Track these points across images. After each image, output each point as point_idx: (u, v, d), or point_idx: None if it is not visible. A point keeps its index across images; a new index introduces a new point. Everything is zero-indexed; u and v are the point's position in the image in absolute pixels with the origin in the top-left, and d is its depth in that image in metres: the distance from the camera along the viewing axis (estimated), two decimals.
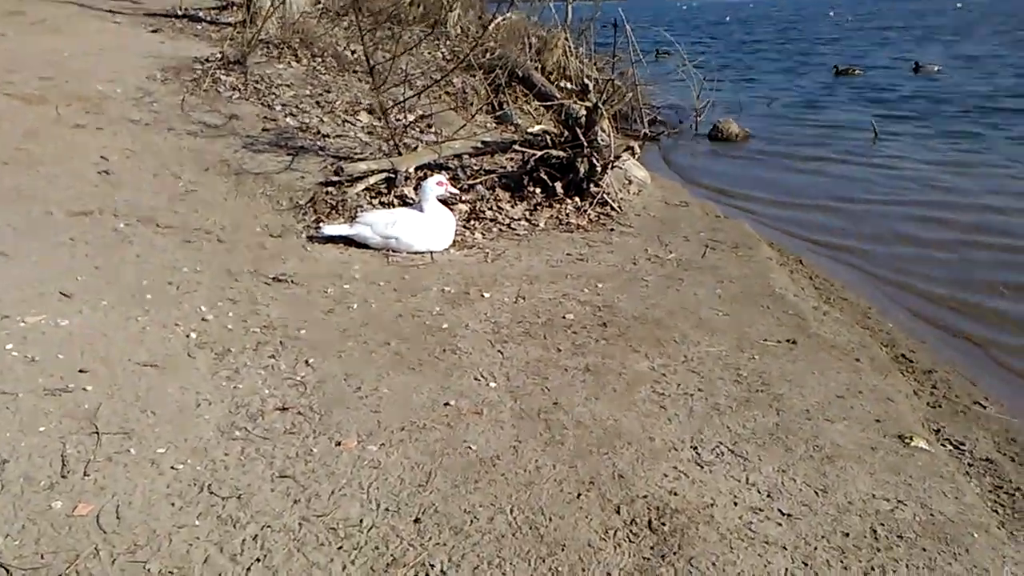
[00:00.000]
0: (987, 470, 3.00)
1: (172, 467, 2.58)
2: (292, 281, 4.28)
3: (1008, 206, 7.03)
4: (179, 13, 10.21)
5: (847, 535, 2.39)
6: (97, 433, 2.71)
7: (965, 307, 4.96)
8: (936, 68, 16.46)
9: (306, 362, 3.39)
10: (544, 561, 2.23)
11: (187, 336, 3.52)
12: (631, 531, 2.36)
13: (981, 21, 29.60)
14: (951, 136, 10.36)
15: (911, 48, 21.85)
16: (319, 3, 10.73)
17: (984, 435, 3.34)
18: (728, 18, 38.50)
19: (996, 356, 4.34)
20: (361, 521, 2.38)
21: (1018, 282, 5.27)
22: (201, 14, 10.28)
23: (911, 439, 3.00)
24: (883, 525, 2.45)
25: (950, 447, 3.16)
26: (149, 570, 2.13)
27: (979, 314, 4.85)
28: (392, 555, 2.24)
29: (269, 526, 2.34)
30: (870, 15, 34.54)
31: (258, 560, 2.20)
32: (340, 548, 2.26)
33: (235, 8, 10.35)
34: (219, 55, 7.81)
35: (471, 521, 2.39)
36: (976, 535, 2.43)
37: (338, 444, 2.78)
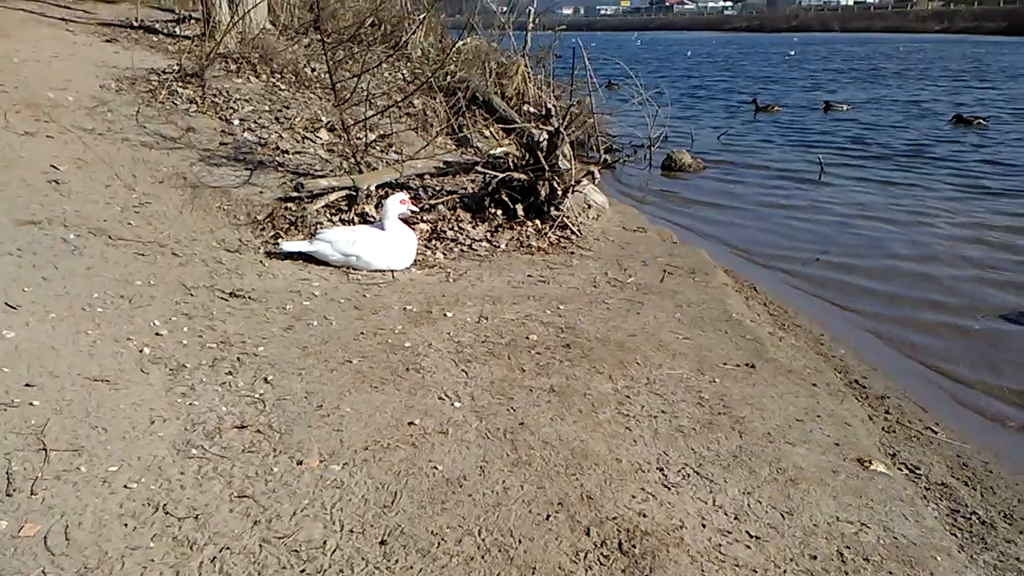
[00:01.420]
0: (943, 494, 3.06)
1: (125, 486, 2.48)
2: (250, 297, 4.18)
3: (944, 235, 7.28)
4: (135, 24, 10.02)
5: (815, 558, 2.40)
6: (45, 450, 2.59)
7: (914, 332, 5.09)
8: (845, 107, 17.30)
9: (265, 379, 3.30)
10: None
11: (140, 351, 3.41)
12: (602, 553, 2.34)
13: (913, 64, 30.93)
14: (884, 169, 10.79)
15: (839, 87, 22.74)
16: (279, 20, 10.64)
17: (938, 460, 3.41)
18: (689, 53, 39.42)
19: (943, 382, 4.45)
20: (324, 543, 2.31)
21: (967, 307, 5.44)
22: (158, 26, 10.09)
23: (870, 463, 3.05)
24: (849, 548, 2.47)
25: (906, 471, 3.22)
26: None
27: (927, 339, 4.98)
28: None
29: (228, 548, 2.25)
30: (823, 58, 35.80)
31: None
32: (303, 571, 2.19)
33: (193, 21, 10.19)
34: (176, 67, 7.67)
35: (439, 543, 2.34)
36: (939, 559, 2.47)
37: (299, 463, 2.71)
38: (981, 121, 14.44)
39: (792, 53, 38.14)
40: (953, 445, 3.60)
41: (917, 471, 3.24)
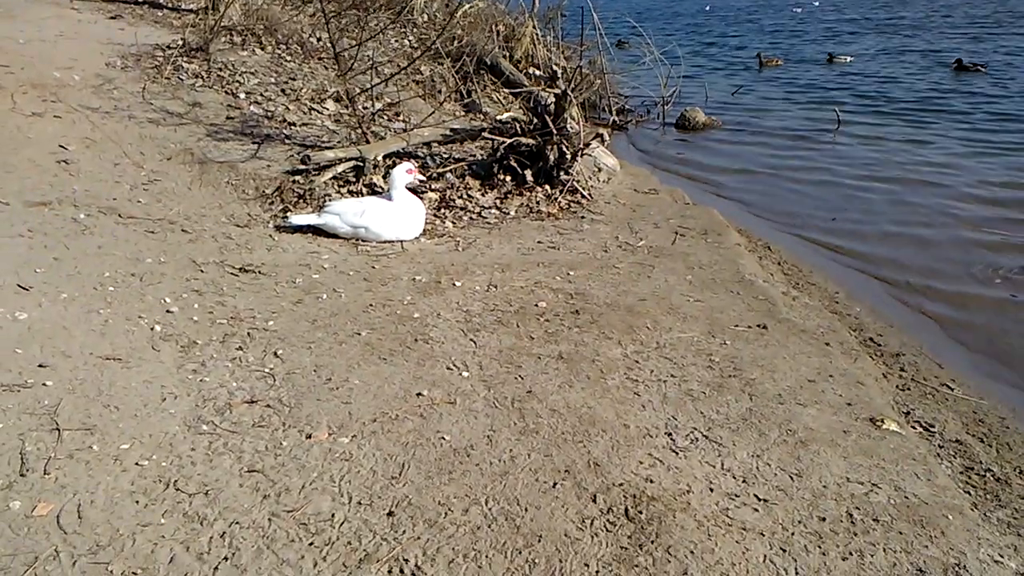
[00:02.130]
0: (957, 451, 3.03)
1: (136, 463, 2.51)
2: (259, 272, 4.19)
3: (964, 190, 7.13)
4: (139, 0, 9.96)
5: (823, 519, 2.39)
6: (58, 429, 2.63)
7: (930, 291, 5.01)
8: (848, 59, 16.99)
9: (275, 354, 3.32)
10: (521, 553, 2.20)
11: (151, 329, 3.43)
12: (608, 520, 2.34)
13: (936, 10, 30.09)
14: (893, 123, 10.55)
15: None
16: None
17: (953, 417, 3.37)
18: (708, 7, 38.57)
19: (961, 338, 4.39)
20: (333, 516, 2.33)
21: (981, 263, 5.34)
22: (162, 1, 10.04)
23: (882, 422, 3.02)
24: (859, 509, 2.45)
25: (920, 429, 3.19)
26: (112, 571, 2.06)
27: (944, 297, 4.91)
28: (365, 550, 2.20)
29: (237, 523, 2.28)
30: (833, 8, 34.94)
31: (226, 558, 2.14)
32: (311, 544, 2.21)
33: None
34: (181, 42, 7.63)
35: (445, 513, 2.36)
36: (951, 517, 2.45)
37: (308, 437, 2.73)
38: (980, 68, 14.35)
39: (816, 3, 37.22)
40: (969, 401, 3.55)
41: (931, 429, 3.21)
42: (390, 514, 2.34)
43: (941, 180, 7.50)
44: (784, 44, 21.60)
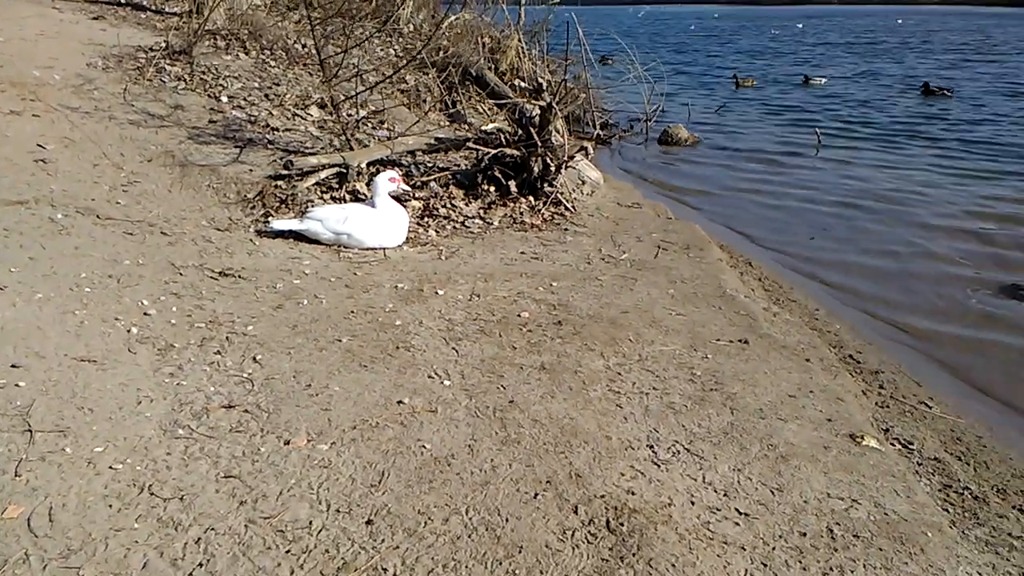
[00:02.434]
0: (936, 469, 3.05)
1: (110, 467, 2.46)
2: (239, 276, 4.15)
3: (939, 211, 7.23)
4: (122, 1, 9.88)
5: (804, 535, 2.39)
6: (30, 431, 2.57)
7: (908, 310, 5.06)
8: (822, 81, 17.46)
9: (254, 358, 3.28)
10: (501, 563, 2.17)
11: (128, 331, 3.38)
12: (589, 532, 2.32)
13: (911, 36, 30.66)
14: (869, 143, 10.75)
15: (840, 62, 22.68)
16: None
17: (931, 434, 3.40)
18: (693, 27, 39.12)
19: (938, 357, 4.43)
20: (310, 523, 2.29)
21: (963, 282, 5.41)
22: (145, 2, 9.97)
23: (862, 438, 3.03)
24: (839, 524, 2.46)
25: (899, 446, 3.21)
26: None
27: (922, 316, 4.95)
28: (343, 558, 2.16)
29: (213, 528, 2.24)
30: (825, 31, 35.53)
31: (201, 565, 2.10)
32: (288, 552, 2.17)
33: None
34: (164, 44, 7.57)
35: (425, 522, 2.33)
36: (930, 534, 2.46)
37: (287, 443, 2.69)
38: (946, 92, 15.14)
39: (800, 26, 37.84)
40: (947, 419, 3.59)
41: (910, 446, 3.23)
42: (369, 522, 2.31)
43: (916, 201, 7.62)
44: (763, 65, 21.94)
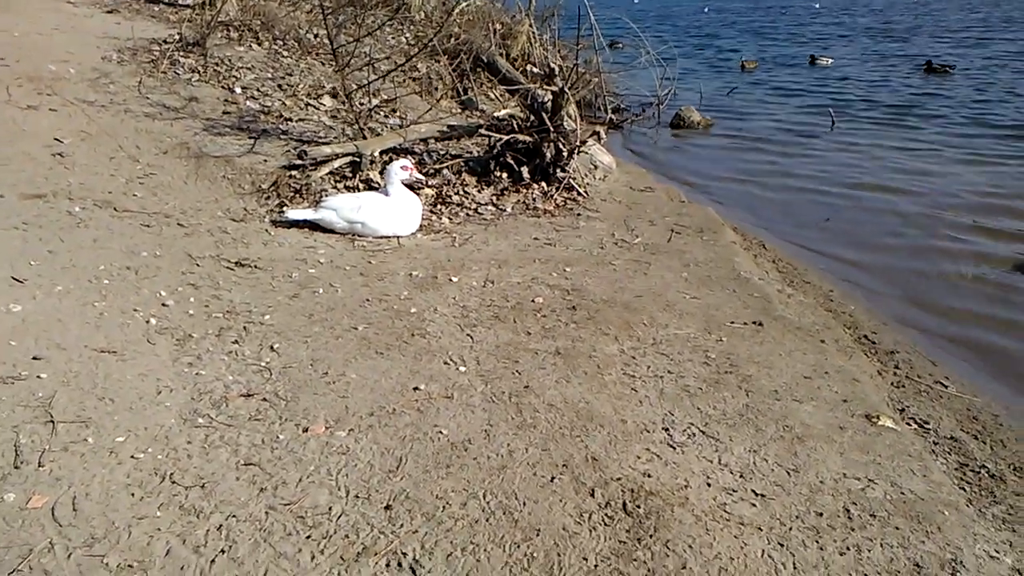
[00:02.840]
0: (952, 448, 3.04)
1: (132, 456, 2.50)
2: (255, 266, 4.18)
3: (956, 190, 7.16)
4: None
5: (821, 515, 2.40)
6: (52, 422, 2.61)
7: (923, 290, 5.02)
8: (829, 61, 17.36)
9: (271, 347, 3.31)
10: (519, 546, 2.19)
11: (147, 322, 3.42)
12: (606, 514, 2.34)
13: (930, 13, 30.24)
14: (890, 123, 10.65)
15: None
16: None
17: (947, 414, 3.38)
18: (707, 9, 38.81)
19: (953, 336, 4.40)
20: (330, 509, 2.32)
21: (979, 262, 5.36)
22: None
23: (878, 418, 3.03)
24: (856, 504, 2.46)
25: (915, 426, 3.19)
26: (107, 564, 2.05)
27: (937, 296, 4.92)
28: (363, 543, 2.19)
29: (234, 516, 2.27)
30: (843, 11, 35.14)
31: (223, 551, 2.13)
32: (308, 537, 2.21)
33: None
34: (177, 36, 7.60)
35: (443, 507, 2.35)
36: (946, 513, 2.45)
37: (305, 430, 2.72)
38: (948, 69, 15.22)
39: (816, 5, 37.45)
40: (963, 399, 3.57)
41: (926, 426, 3.22)
42: (388, 508, 2.34)
43: (929, 181, 7.55)
44: (771, 46, 21.75)
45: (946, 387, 3.67)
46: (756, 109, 12.09)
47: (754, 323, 3.88)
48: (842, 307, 4.63)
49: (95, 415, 2.69)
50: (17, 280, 3.58)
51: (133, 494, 2.32)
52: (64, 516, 2.20)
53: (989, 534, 2.41)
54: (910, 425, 3.18)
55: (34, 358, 2.98)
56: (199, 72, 7.02)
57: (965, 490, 2.72)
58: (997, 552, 2.33)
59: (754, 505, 2.43)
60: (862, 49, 20.46)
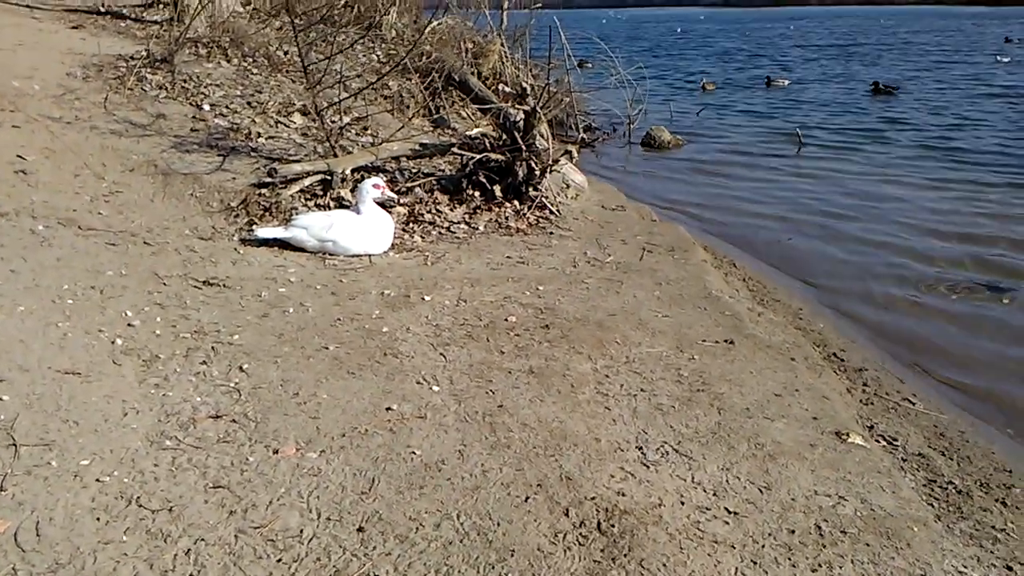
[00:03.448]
0: (920, 465, 3.08)
1: (97, 480, 2.44)
2: (224, 285, 4.13)
3: (914, 210, 7.30)
4: (102, 9, 9.82)
5: (793, 532, 2.41)
6: (15, 445, 2.55)
7: (889, 307, 5.11)
8: (785, 83, 17.81)
9: (240, 368, 3.26)
10: (493, 567, 2.18)
11: (112, 342, 3.35)
12: (581, 534, 2.33)
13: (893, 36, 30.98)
14: (848, 141, 10.87)
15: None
16: (249, 3, 10.48)
17: (915, 431, 3.43)
18: (679, 29, 39.48)
19: (920, 353, 4.46)
20: (301, 532, 2.29)
21: (944, 280, 5.46)
22: (125, 11, 9.90)
23: (847, 436, 3.06)
24: (827, 521, 2.48)
25: (884, 443, 3.24)
26: None
27: (903, 313, 5.00)
28: (335, 566, 2.16)
29: (203, 539, 2.23)
30: (808, 32, 35.90)
31: None
32: (279, 561, 2.17)
33: (161, 6, 10.00)
34: (145, 53, 7.52)
35: (417, 528, 2.33)
36: (916, 529, 2.48)
37: (276, 452, 2.68)
38: (892, 90, 15.90)
39: (792, 28, 38.30)
40: (930, 416, 3.62)
41: (894, 442, 3.26)
42: (360, 530, 2.31)
43: (891, 201, 7.69)
44: (735, 68, 22.19)
45: (913, 404, 3.73)
46: (725, 129, 12.27)
47: (725, 341, 3.91)
48: (811, 325, 4.69)
49: (59, 438, 2.63)
50: None
51: (99, 518, 2.27)
52: (27, 541, 2.14)
53: (957, 549, 2.44)
54: (879, 442, 3.22)
55: None
56: (167, 89, 6.95)
57: (933, 506, 2.76)
58: (965, 567, 2.36)
59: (727, 523, 2.44)
60: (824, 71, 20.92)
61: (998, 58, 23.02)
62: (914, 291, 5.34)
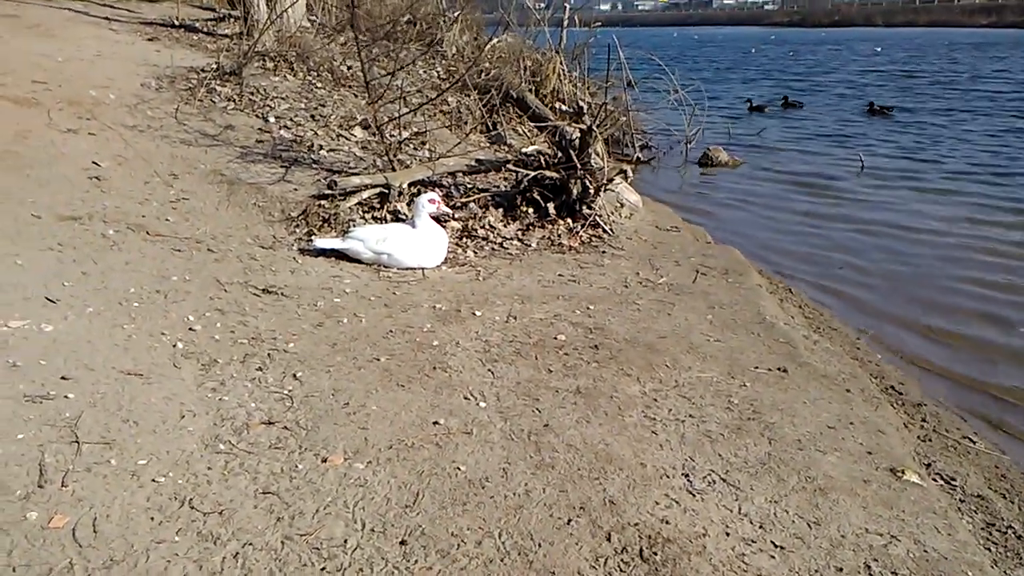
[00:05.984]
0: (979, 507, 2.98)
1: (153, 480, 2.52)
2: (282, 293, 4.23)
3: (977, 242, 7.06)
4: (176, 23, 10.19)
5: (840, 570, 2.35)
6: (77, 442, 2.65)
7: (951, 341, 4.96)
8: (801, 104, 17.59)
9: (294, 376, 3.33)
10: None
11: (173, 346, 3.46)
12: (622, 560, 2.32)
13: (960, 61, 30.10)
14: (912, 171, 10.48)
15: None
16: (315, 18, 10.75)
17: (975, 471, 3.32)
18: (753, 50, 39.00)
19: (982, 390, 4.32)
20: (345, 541, 2.32)
21: (1008, 315, 5.28)
22: (198, 25, 10.26)
23: (903, 473, 2.98)
24: (877, 560, 2.41)
25: (941, 482, 3.14)
26: None
27: (966, 348, 4.85)
28: None
29: (251, 544, 2.28)
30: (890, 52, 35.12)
31: None
32: (323, 569, 2.20)
33: (232, 20, 10.34)
34: (215, 65, 7.78)
35: (458, 545, 2.34)
36: (971, 574, 2.40)
37: (324, 461, 2.73)
38: (887, 111, 15.64)
39: (878, 49, 37.39)
40: (991, 455, 3.50)
41: (952, 482, 3.16)
42: (403, 543, 2.33)
43: (961, 231, 7.44)
44: (809, 87, 21.77)
45: (974, 443, 3.61)
46: (785, 150, 12.06)
47: (779, 369, 3.84)
48: (869, 356, 4.59)
49: (119, 437, 2.72)
50: (50, 300, 3.65)
51: (152, 518, 2.34)
52: (84, 537, 2.22)
53: None
54: (936, 481, 3.13)
55: (62, 378, 3.03)
56: (235, 101, 7.17)
57: (991, 550, 2.66)
58: None
59: (773, 557, 2.39)
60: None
61: None
62: (977, 325, 5.17)
